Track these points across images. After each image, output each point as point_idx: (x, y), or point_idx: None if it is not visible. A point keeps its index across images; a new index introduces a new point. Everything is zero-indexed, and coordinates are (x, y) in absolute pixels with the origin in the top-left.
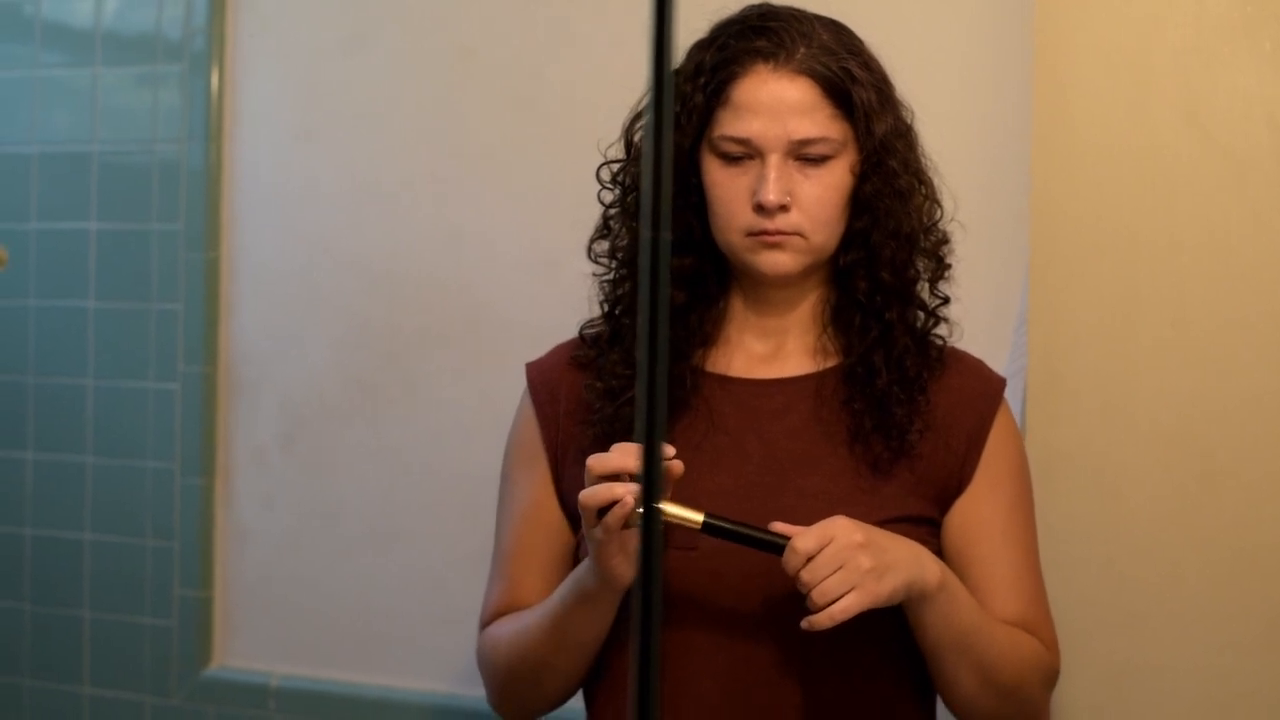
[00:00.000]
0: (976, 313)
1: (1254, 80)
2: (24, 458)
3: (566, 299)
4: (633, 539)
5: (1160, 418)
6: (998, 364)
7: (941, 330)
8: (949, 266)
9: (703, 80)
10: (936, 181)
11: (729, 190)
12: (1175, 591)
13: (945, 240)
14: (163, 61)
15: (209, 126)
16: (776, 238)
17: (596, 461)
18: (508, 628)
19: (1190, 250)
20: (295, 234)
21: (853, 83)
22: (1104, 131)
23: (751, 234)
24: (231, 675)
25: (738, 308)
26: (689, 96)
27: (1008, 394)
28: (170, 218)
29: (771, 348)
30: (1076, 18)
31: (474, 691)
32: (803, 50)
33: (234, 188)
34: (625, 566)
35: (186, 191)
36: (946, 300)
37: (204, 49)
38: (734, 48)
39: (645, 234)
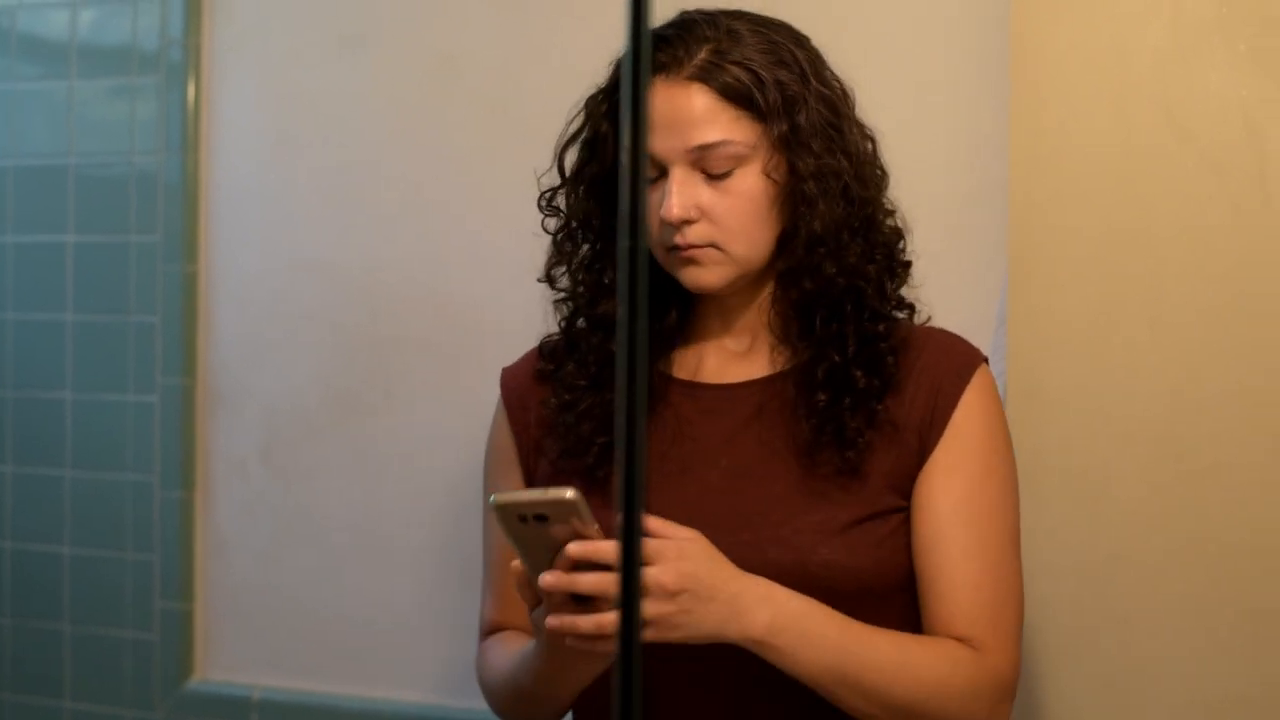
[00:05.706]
0: (956, 315)
1: (1230, 81)
2: (2, 471)
3: (548, 307)
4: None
5: (1141, 418)
6: None
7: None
8: (906, 265)
9: (605, 107)
10: (926, 187)
11: (646, 209)
12: (1160, 592)
13: (898, 239)
14: (139, 73)
15: (186, 138)
16: (689, 252)
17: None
18: (499, 663)
19: (1169, 251)
20: (274, 244)
21: (756, 84)
22: (1081, 132)
23: (668, 249)
24: (213, 688)
25: (705, 308)
26: (598, 122)
27: None
28: (148, 230)
29: (744, 345)
30: (1052, 19)
31: (457, 701)
32: (700, 56)
33: (212, 199)
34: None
35: (164, 203)
36: (900, 304)
37: (180, 60)
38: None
39: (622, 244)
